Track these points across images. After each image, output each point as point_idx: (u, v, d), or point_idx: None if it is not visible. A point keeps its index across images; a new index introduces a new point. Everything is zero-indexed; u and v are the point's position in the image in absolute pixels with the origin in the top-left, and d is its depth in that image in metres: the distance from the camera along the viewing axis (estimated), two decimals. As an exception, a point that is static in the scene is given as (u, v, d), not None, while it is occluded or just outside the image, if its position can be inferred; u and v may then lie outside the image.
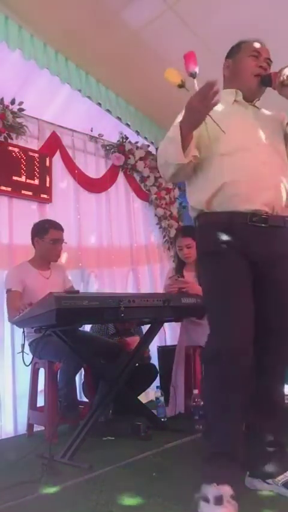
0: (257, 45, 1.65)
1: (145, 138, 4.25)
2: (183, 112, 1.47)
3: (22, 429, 2.88)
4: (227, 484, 1.30)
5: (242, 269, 1.49)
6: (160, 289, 3.85)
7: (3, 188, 3.21)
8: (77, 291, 2.30)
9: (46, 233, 2.86)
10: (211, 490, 1.30)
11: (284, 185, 1.55)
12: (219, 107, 1.59)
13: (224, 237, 1.51)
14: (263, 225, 1.50)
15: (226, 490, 1.29)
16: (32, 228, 2.93)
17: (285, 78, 1.46)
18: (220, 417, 1.40)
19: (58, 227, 2.92)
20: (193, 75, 1.45)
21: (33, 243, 2.91)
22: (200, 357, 2.76)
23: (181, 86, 1.47)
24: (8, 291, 2.70)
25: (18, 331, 2.72)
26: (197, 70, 1.45)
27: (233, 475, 1.36)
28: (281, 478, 1.46)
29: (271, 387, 1.50)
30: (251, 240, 1.50)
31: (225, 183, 1.50)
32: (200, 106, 1.40)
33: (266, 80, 1.56)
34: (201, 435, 1.50)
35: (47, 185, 3.47)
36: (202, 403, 2.41)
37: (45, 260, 2.91)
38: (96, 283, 3.70)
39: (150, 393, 3.34)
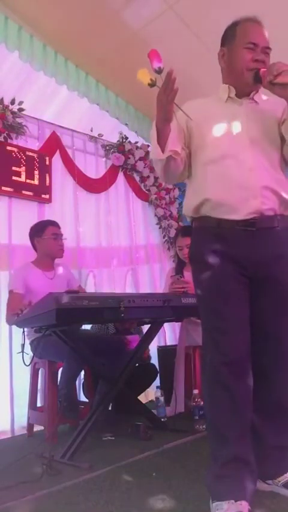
0: (254, 34, 1.52)
1: (145, 138, 4.25)
2: None
3: (20, 429, 2.88)
4: (245, 500, 1.28)
5: (232, 275, 1.46)
6: (160, 290, 3.86)
7: (3, 188, 3.21)
8: (77, 291, 2.29)
9: (44, 230, 2.87)
10: (228, 507, 1.26)
11: (274, 191, 1.48)
12: (212, 107, 1.59)
13: (213, 243, 1.48)
14: (251, 228, 1.45)
15: (244, 505, 1.27)
16: (29, 231, 2.94)
17: (273, 77, 1.37)
18: (225, 426, 1.38)
19: (55, 223, 2.94)
20: (158, 71, 1.43)
21: (34, 245, 2.91)
22: (199, 356, 2.77)
23: (152, 85, 1.43)
24: (10, 292, 2.71)
25: (17, 331, 2.72)
26: (161, 65, 1.42)
27: (249, 488, 1.33)
28: (281, 479, 1.46)
29: (270, 389, 1.49)
30: (240, 244, 1.46)
31: (208, 198, 1.49)
32: (163, 97, 1.40)
33: (257, 78, 1.47)
34: (210, 453, 1.45)
35: (47, 185, 3.47)
36: (202, 403, 2.42)
37: (49, 258, 2.90)
38: (95, 283, 3.70)
39: (150, 393, 3.34)
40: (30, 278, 2.74)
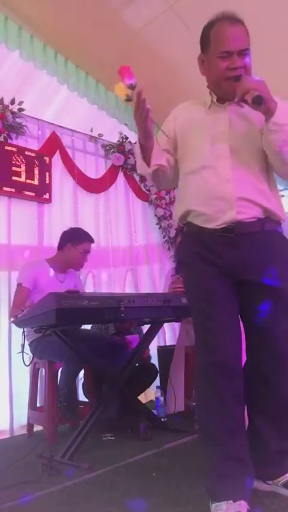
0: (225, 42, 1.44)
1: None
2: None
3: (19, 429, 2.89)
4: (243, 500, 1.28)
5: (216, 277, 1.47)
6: (159, 289, 3.86)
7: (3, 188, 3.21)
8: (77, 291, 2.29)
9: (81, 242, 2.88)
10: (227, 507, 1.26)
11: (252, 201, 1.46)
12: (197, 112, 1.59)
13: (197, 247, 1.51)
14: (229, 234, 1.46)
15: (243, 505, 1.27)
16: (67, 231, 2.94)
17: (241, 95, 1.36)
18: (215, 426, 1.39)
19: (92, 239, 2.98)
20: (131, 87, 1.45)
21: (61, 246, 2.91)
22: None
23: (128, 100, 1.46)
24: (19, 285, 2.71)
25: (16, 331, 2.72)
26: (133, 81, 1.44)
27: (247, 487, 1.33)
28: (281, 479, 1.46)
29: (270, 390, 1.49)
30: (220, 250, 1.47)
31: (189, 209, 1.53)
32: (137, 117, 1.48)
33: (237, 79, 1.42)
34: (203, 451, 1.45)
35: (47, 185, 3.48)
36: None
37: (67, 265, 2.91)
38: (94, 283, 3.70)
39: (150, 393, 3.34)
40: (41, 276, 2.74)
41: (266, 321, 1.45)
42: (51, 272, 2.82)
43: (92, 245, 3.75)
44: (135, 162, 4.44)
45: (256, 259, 1.46)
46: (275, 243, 1.50)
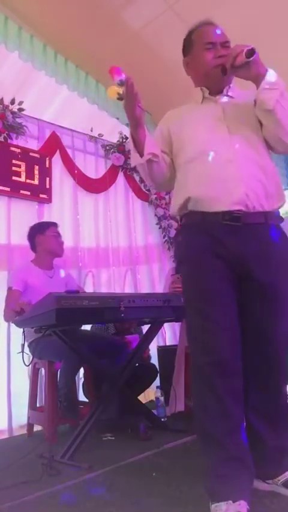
0: (208, 34, 1.56)
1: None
2: None
3: (18, 428, 2.89)
4: (243, 500, 1.27)
5: (219, 272, 1.43)
6: (159, 289, 3.86)
7: (3, 188, 3.21)
8: (77, 291, 2.29)
9: (47, 228, 2.91)
10: (227, 508, 1.25)
11: (258, 179, 1.46)
12: (190, 111, 1.62)
13: (199, 239, 1.47)
14: (236, 223, 1.43)
15: (243, 505, 1.27)
16: (30, 229, 2.95)
17: (233, 61, 1.40)
18: (216, 425, 1.36)
19: (56, 224, 3.00)
20: (121, 84, 1.47)
21: (33, 244, 2.92)
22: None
23: (120, 98, 1.49)
24: (9, 289, 2.72)
25: (15, 330, 2.72)
26: (123, 78, 1.46)
27: (246, 487, 1.33)
28: (281, 478, 1.46)
29: (265, 389, 1.49)
30: (225, 240, 1.43)
31: (190, 196, 1.49)
32: (126, 104, 1.47)
33: (224, 69, 1.48)
34: (201, 451, 1.42)
35: (47, 185, 3.48)
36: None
37: (50, 256, 2.92)
38: (94, 283, 3.70)
39: (150, 393, 3.34)
40: (31, 277, 2.75)
41: (263, 320, 1.45)
42: (39, 271, 2.83)
43: (92, 245, 3.79)
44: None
45: (259, 255, 1.44)
46: (278, 239, 1.49)
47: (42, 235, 2.89)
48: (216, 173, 1.46)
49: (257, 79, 1.42)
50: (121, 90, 1.46)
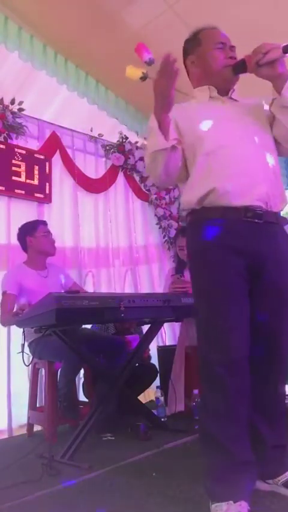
0: (219, 35, 1.58)
1: (145, 138, 4.25)
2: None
3: (17, 428, 2.89)
4: (244, 501, 1.27)
5: (235, 269, 1.41)
6: (159, 289, 3.86)
7: (2, 188, 3.21)
8: (77, 291, 2.29)
9: (36, 228, 2.89)
10: (228, 508, 1.25)
11: (272, 178, 1.48)
12: (197, 107, 1.59)
13: (215, 234, 1.42)
14: (257, 220, 1.42)
15: (244, 505, 1.26)
16: (19, 231, 2.94)
17: (262, 56, 1.39)
18: (225, 429, 1.35)
19: (44, 222, 2.99)
20: (149, 63, 1.42)
21: (24, 246, 2.91)
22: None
23: (144, 78, 1.43)
24: (3, 293, 2.70)
25: (15, 331, 2.72)
26: (151, 56, 1.42)
27: (248, 488, 1.32)
28: (281, 478, 1.46)
29: (266, 387, 1.49)
30: (245, 237, 1.42)
31: (214, 187, 1.44)
32: (162, 83, 1.36)
33: (240, 67, 1.48)
34: (202, 451, 1.41)
35: (47, 185, 3.48)
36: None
37: (42, 257, 2.91)
38: (94, 283, 3.70)
39: (150, 393, 3.34)
40: (24, 278, 2.74)
41: (271, 321, 1.45)
42: (32, 272, 2.82)
43: (92, 245, 3.79)
44: (135, 162, 4.49)
45: (274, 255, 1.45)
46: (286, 240, 1.51)
47: (32, 236, 2.87)
48: (239, 167, 1.45)
49: (280, 77, 1.42)
50: (145, 70, 1.41)
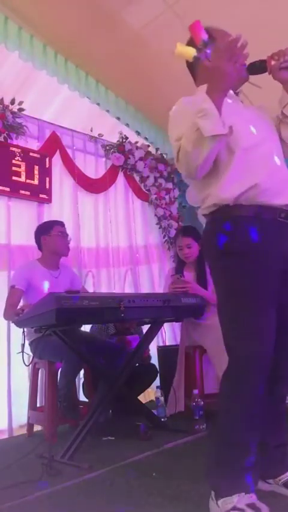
0: (230, 35, 1.50)
1: (145, 138, 4.26)
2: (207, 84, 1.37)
3: (17, 428, 2.89)
4: (253, 493, 1.29)
5: (274, 271, 1.38)
6: (159, 289, 3.86)
7: (2, 188, 3.21)
8: (77, 291, 2.29)
9: (51, 228, 2.89)
10: (241, 500, 1.25)
11: None
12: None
13: (258, 235, 1.38)
14: None
15: (254, 497, 1.28)
16: (35, 230, 2.96)
17: (282, 60, 1.38)
18: (246, 428, 1.33)
19: (61, 223, 2.98)
20: (205, 43, 1.39)
21: (39, 244, 2.92)
22: (199, 356, 2.77)
23: (197, 58, 1.37)
24: (12, 287, 2.71)
25: (15, 330, 2.72)
26: (205, 37, 1.39)
27: (256, 482, 1.34)
28: (282, 478, 1.46)
29: (276, 386, 1.49)
30: (279, 239, 1.40)
31: (257, 183, 1.40)
32: (229, 66, 1.32)
33: (258, 67, 1.44)
34: (215, 448, 1.39)
35: (47, 185, 3.48)
36: (202, 403, 2.42)
37: (56, 257, 2.91)
38: (94, 283, 3.70)
39: (150, 393, 3.34)
40: (35, 276, 2.75)
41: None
42: (44, 270, 2.82)
43: (92, 245, 3.79)
44: (135, 162, 4.48)
45: None
46: None
47: (48, 235, 2.88)
48: (275, 165, 1.45)
49: None
50: (196, 52, 1.38)
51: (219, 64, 1.35)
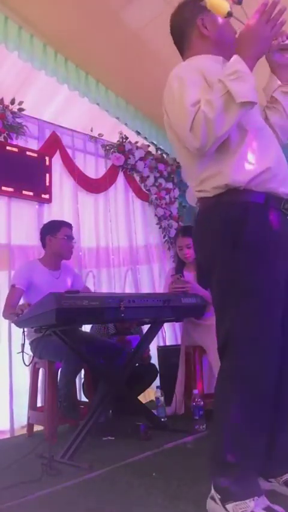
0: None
1: (145, 138, 4.26)
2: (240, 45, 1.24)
3: (19, 429, 2.89)
4: (264, 496, 1.27)
5: (284, 273, 1.30)
6: (159, 289, 3.86)
7: (3, 188, 3.21)
8: (77, 291, 2.29)
9: (58, 230, 2.88)
10: (258, 504, 1.23)
11: None
12: (219, 68, 1.35)
13: (269, 224, 1.27)
14: None
15: (266, 500, 1.26)
16: (42, 227, 2.96)
17: (283, 40, 1.30)
18: (254, 434, 1.30)
19: (69, 225, 2.97)
20: (239, 2, 1.30)
21: (43, 243, 2.92)
22: (199, 356, 2.77)
23: (230, 14, 1.27)
24: (12, 286, 2.72)
25: (16, 330, 2.72)
26: None
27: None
28: (284, 477, 1.45)
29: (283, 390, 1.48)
30: (283, 231, 1.31)
31: (269, 167, 1.30)
32: (266, 30, 1.23)
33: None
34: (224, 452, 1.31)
35: (47, 185, 3.48)
36: (202, 403, 2.42)
37: (58, 258, 2.91)
38: (94, 283, 3.70)
39: (150, 393, 3.34)
40: (36, 275, 2.75)
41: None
42: (45, 270, 2.82)
43: (92, 245, 3.79)
44: (135, 162, 4.48)
45: None
46: None
47: (53, 237, 2.86)
48: (279, 151, 1.39)
49: None
50: (229, 9, 1.26)
51: (258, 27, 1.23)
